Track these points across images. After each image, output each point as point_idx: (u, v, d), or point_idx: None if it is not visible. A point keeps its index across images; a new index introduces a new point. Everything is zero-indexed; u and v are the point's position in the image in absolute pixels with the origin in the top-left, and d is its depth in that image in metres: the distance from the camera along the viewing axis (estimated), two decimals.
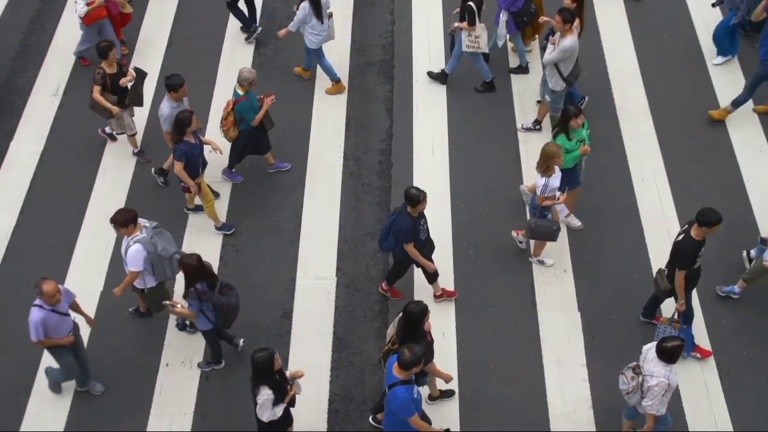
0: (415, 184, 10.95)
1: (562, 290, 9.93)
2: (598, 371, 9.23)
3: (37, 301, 7.97)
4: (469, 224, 10.51)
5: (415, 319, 7.72)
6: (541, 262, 10.11)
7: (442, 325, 9.53)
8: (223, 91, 12.01)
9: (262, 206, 10.77)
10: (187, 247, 10.28)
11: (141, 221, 8.56)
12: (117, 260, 9.63)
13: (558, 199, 9.36)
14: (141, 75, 10.57)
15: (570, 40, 10.42)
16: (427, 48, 12.79)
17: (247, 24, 12.78)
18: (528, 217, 9.98)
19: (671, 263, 8.68)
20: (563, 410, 8.94)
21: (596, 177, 10.91)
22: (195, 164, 9.61)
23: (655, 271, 10.06)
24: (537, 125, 11.60)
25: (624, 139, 11.53)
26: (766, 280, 9.52)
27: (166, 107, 9.87)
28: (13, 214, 10.66)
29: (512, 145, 11.50)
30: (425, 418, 8.36)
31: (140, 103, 10.71)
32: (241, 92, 10.11)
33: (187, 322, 9.42)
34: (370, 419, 8.81)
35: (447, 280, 9.89)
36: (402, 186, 10.95)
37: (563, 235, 10.29)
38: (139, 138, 11.25)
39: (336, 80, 12.06)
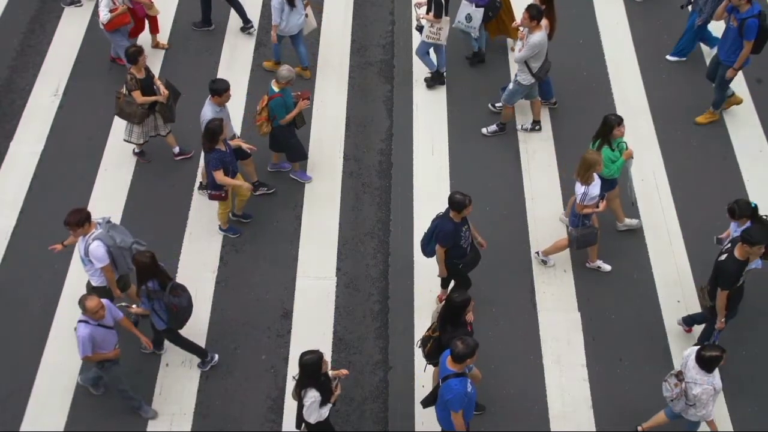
0: (415, 184, 10.96)
1: (562, 290, 9.93)
2: (598, 371, 9.23)
3: (83, 317, 7.97)
4: None
5: (457, 309, 7.86)
6: (543, 262, 10.11)
7: None
8: None
9: (262, 206, 10.77)
10: (188, 246, 10.29)
11: (94, 219, 8.61)
12: None
13: (598, 207, 9.36)
14: (175, 93, 10.66)
15: (538, 36, 10.41)
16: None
17: (205, 20, 12.97)
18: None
19: (713, 282, 8.59)
20: (563, 410, 8.94)
21: None
22: (226, 171, 9.59)
23: (654, 271, 10.09)
24: (536, 125, 11.60)
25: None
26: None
27: (209, 111, 9.81)
28: (13, 214, 10.66)
29: (512, 145, 11.49)
30: (479, 407, 8.53)
31: (173, 119, 10.74)
32: (276, 89, 10.09)
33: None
34: None
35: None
36: (402, 186, 10.99)
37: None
38: None
39: (277, 61, 12.20)
